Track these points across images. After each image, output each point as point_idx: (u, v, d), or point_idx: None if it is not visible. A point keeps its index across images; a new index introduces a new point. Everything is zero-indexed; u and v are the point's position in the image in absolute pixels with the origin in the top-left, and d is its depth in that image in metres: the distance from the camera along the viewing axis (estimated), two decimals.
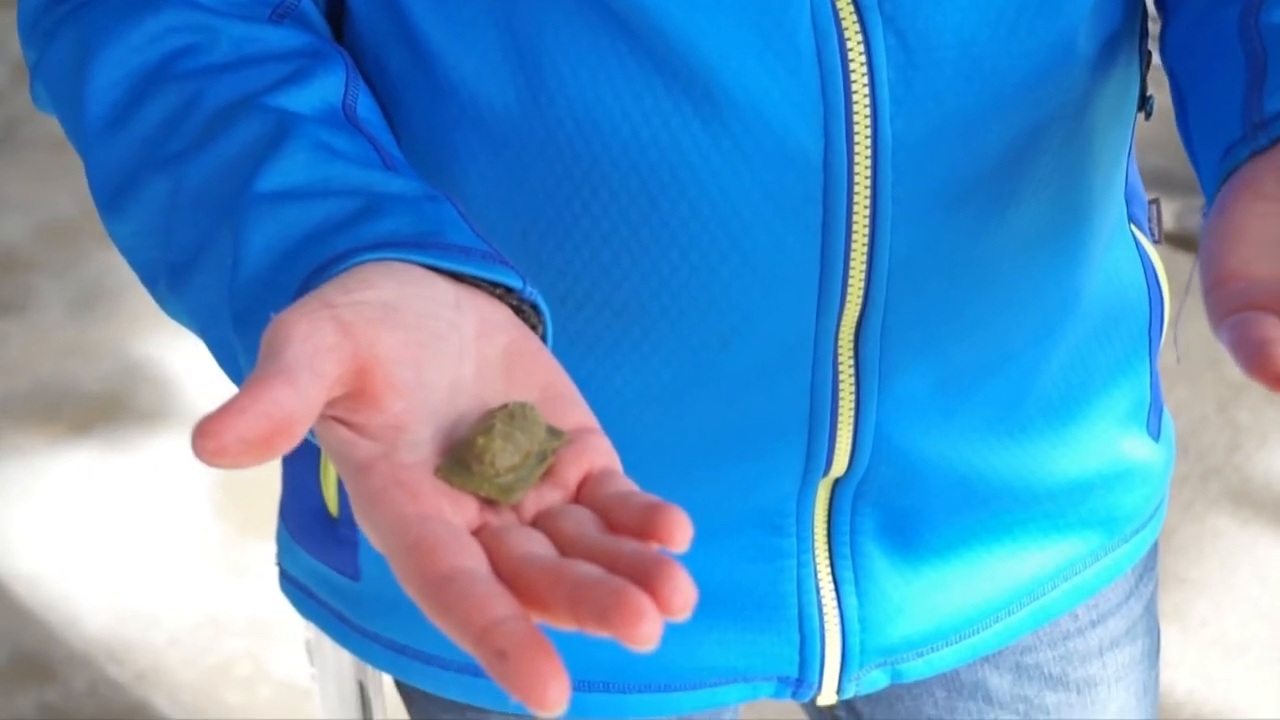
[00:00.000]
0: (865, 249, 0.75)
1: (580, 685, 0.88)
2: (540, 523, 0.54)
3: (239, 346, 0.63)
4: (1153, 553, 0.99)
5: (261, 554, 2.19)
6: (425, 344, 0.57)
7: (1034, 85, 0.75)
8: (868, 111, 0.73)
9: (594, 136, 0.73)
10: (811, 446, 0.81)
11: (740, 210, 0.74)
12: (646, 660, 0.88)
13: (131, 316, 2.65)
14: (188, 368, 2.53)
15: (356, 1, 0.78)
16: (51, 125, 3.10)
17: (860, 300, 0.77)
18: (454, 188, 0.77)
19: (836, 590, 0.87)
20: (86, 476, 2.36)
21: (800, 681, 0.89)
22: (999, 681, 0.95)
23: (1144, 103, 0.85)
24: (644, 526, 0.51)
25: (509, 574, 0.51)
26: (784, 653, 0.88)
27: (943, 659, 0.91)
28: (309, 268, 0.60)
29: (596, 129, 0.73)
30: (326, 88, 0.71)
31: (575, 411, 0.58)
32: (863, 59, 0.72)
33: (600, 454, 0.56)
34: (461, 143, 0.76)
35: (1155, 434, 0.95)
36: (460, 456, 0.54)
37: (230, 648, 2.09)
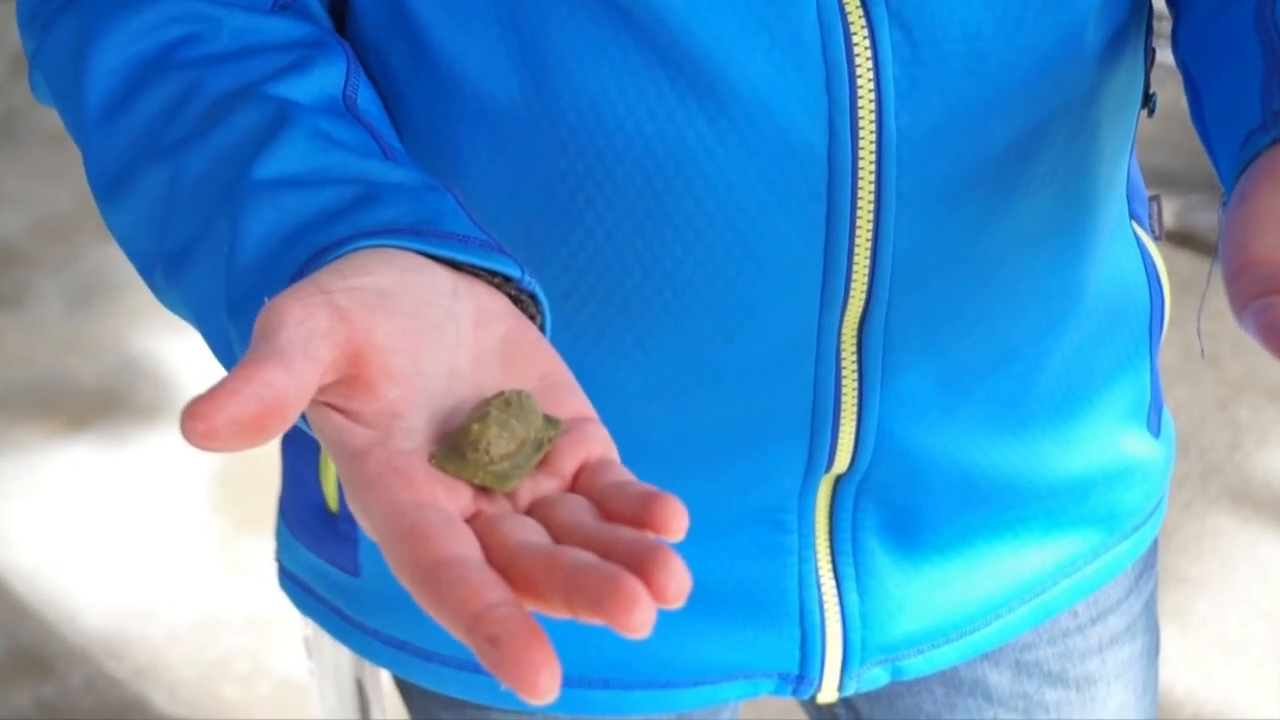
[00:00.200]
0: (869, 244, 0.75)
1: (581, 681, 0.88)
2: (535, 511, 0.54)
3: (234, 334, 0.63)
4: (1152, 550, 0.99)
5: (260, 550, 2.19)
6: (422, 332, 0.56)
7: (1039, 80, 0.75)
8: (872, 106, 0.72)
9: (598, 131, 0.73)
10: (814, 443, 0.81)
11: (745, 205, 0.74)
12: (647, 656, 0.88)
13: (129, 312, 2.65)
14: (185, 363, 2.53)
15: None
16: (49, 120, 3.10)
17: (864, 295, 0.77)
18: (456, 182, 0.76)
19: (838, 587, 0.87)
20: (84, 472, 2.36)
21: (801, 678, 0.89)
22: (998, 679, 0.95)
23: (1147, 100, 0.85)
24: (640, 515, 0.51)
25: (503, 561, 0.50)
26: (785, 649, 0.88)
27: (943, 656, 0.91)
28: (305, 254, 0.60)
29: (601, 123, 0.73)
30: (327, 78, 0.70)
31: (573, 400, 0.57)
32: (868, 53, 0.72)
33: (597, 443, 0.56)
34: (464, 137, 0.76)
35: (1155, 431, 0.95)
36: (455, 444, 0.54)
37: (228, 644, 2.08)
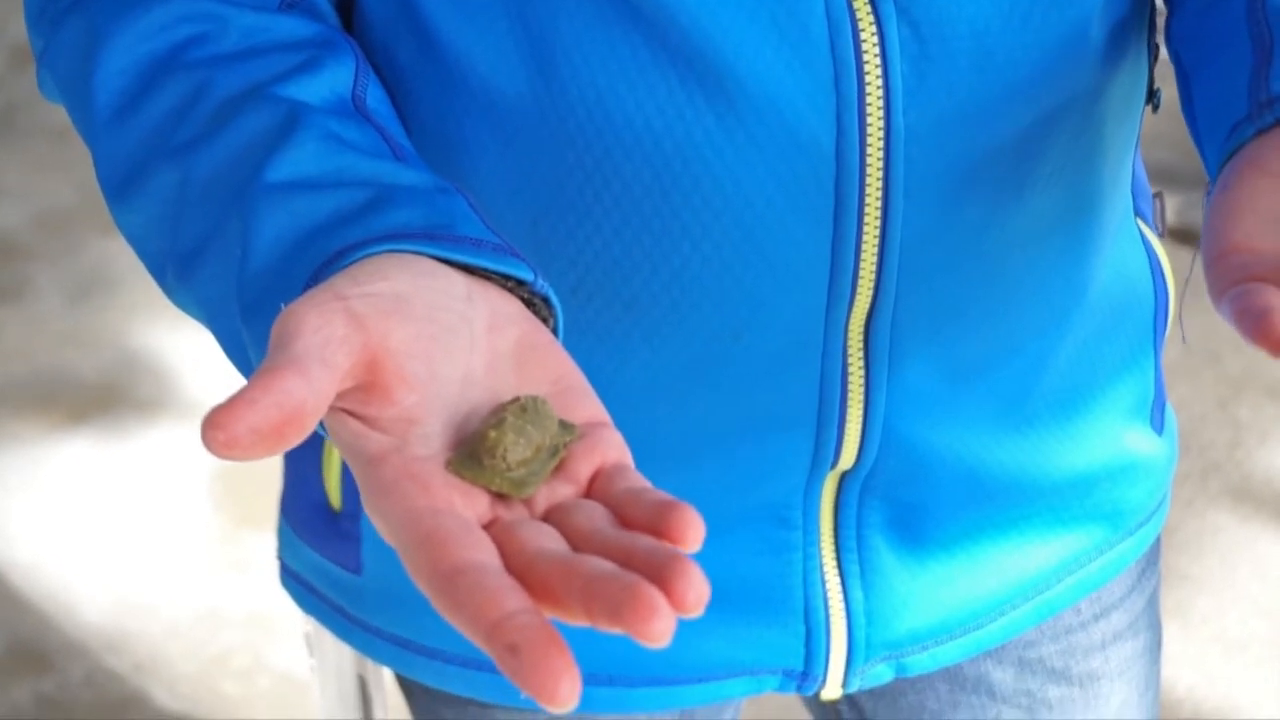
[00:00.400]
0: (876, 240, 0.75)
1: (585, 679, 0.88)
2: (552, 517, 0.54)
3: (247, 338, 0.63)
4: (1155, 547, 0.99)
5: (260, 545, 2.19)
6: (437, 337, 0.57)
7: (1046, 76, 0.75)
8: (880, 102, 0.72)
9: (606, 127, 0.73)
10: (820, 439, 0.81)
11: (753, 201, 0.74)
12: (652, 654, 0.88)
13: (129, 306, 2.65)
14: (186, 358, 2.53)
15: None
16: (50, 114, 3.10)
17: (871, 291, 0.77)
18: (463, 178, 0.76)
19: (842, 584, 0.87)
20: (84, 466, 2.36)
21: (805, 675, 0.89)
22: (1002, 676, 0.95)
23: (1151, 95, 0.85)
24: (656, 524, 0.51)
25: (521, 568, 0.50)
26: (790, 646, 0.88)
27: (947, 653, 0.91)
28: (320, 259, 0.60)
29: (609, 120, 0.73)
30: (336, 78, 0.70)
31: (587, 405, 0.58)
32: (876, 50, 0.72)
33: (612, 448, 0.56)
34: (471, 133, 0.76)
35: (1159, 428, 0.95)
36: (472, 450, 0.54)
37: (228, 639, 2.08)
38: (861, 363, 0.79)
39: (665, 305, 0.77)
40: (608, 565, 0.49)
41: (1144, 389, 0.93)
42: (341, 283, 0.57)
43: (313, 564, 0.94)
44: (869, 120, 0.73)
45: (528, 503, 0.54)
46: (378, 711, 1.15)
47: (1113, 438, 0.91)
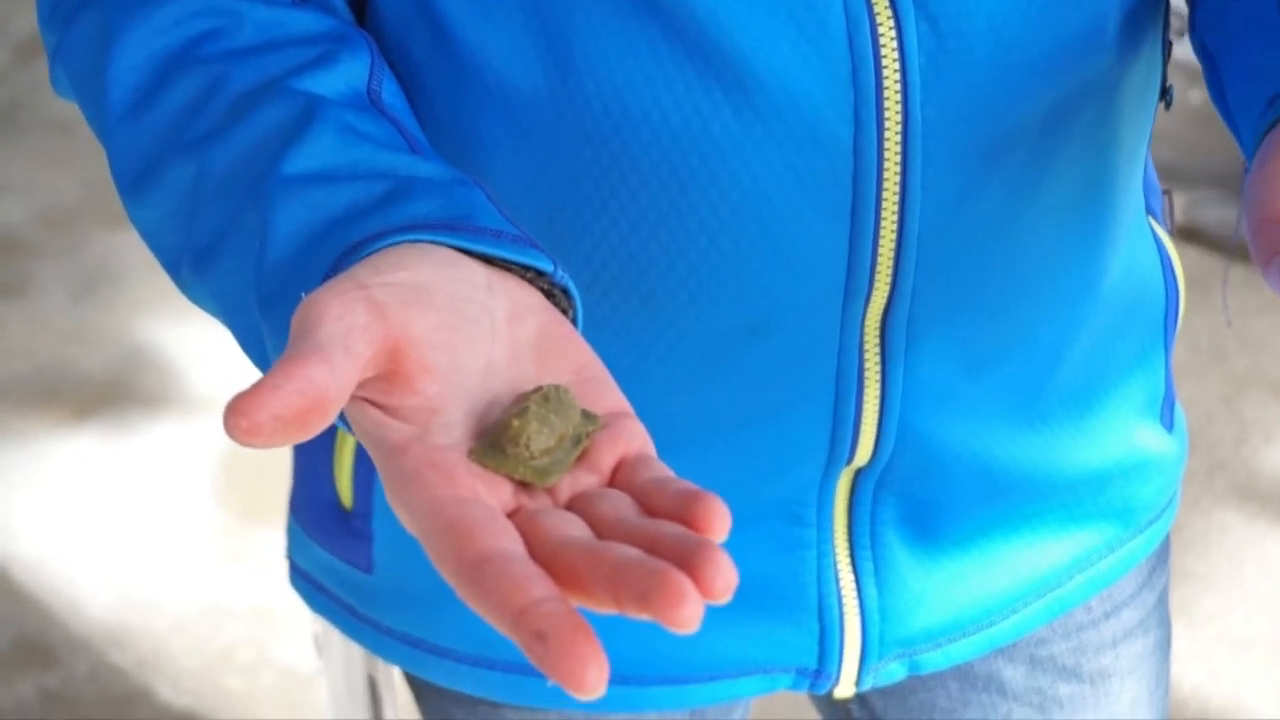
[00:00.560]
0: (894, 235, 0.75)
1: None
2: (575, 506, 0.54)
3: (266, 330, 0.63)
4: (1165, 545, 0.99)
5: (264, 541, 2.19)
6: (458, 327, 0.56)
7: (1063, 70, 0.75)
8: (898, 96, 0.72)
9: (623, 122, 0.73)
10: (836, 435, 0.81)
11: (770, 196, 0.74)
12: (664, 653, 0.88)
13: (134, 302, 2.65)
14: (190, 353, 2.53)
15: None
16: (54, 108, 3.10)
17: (888, 286, 0.77)
18: (479, 174, 0.76)
19: (856, 581, 0.86)
20: (88, 462, 2.36)
21: (819, 673, 0.89)
22: (1013, 673, 0.95)
23: (1164, 92, 0.85)
24: (682, 513, 0.51)
25: (546, 556, 0.50)
26: (803, 644, 0.88)
27: (960, 650, 0.91)
28: (339, 250, 0.60)
29: (626, 114, 0.73)
30: (351, 72, 0.70)
31: (609, 395, 0.57)
32: (894, 44, 0.72)
33: (635, 438, 0.56)
34: (487, 128, 0.76)
35: (1169, 425, 0.95)
36: (495, 439, 0.54)
37: (233, 634, 2.08)
38: (878, 357, 0.79)
39: (682, 300, 0.76)
40: (634, 552, 0.49)
41: (1155, 386, 0.93)
42: (362, 272, 0.56)
43: (323, 563, 0.94)
44: (887, 114, 0.73)
45: (551, 492, 0.54)
46: (388, 711, 1.15)
47: (1124, 435, 0.91)
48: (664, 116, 0.72)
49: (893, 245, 0.76)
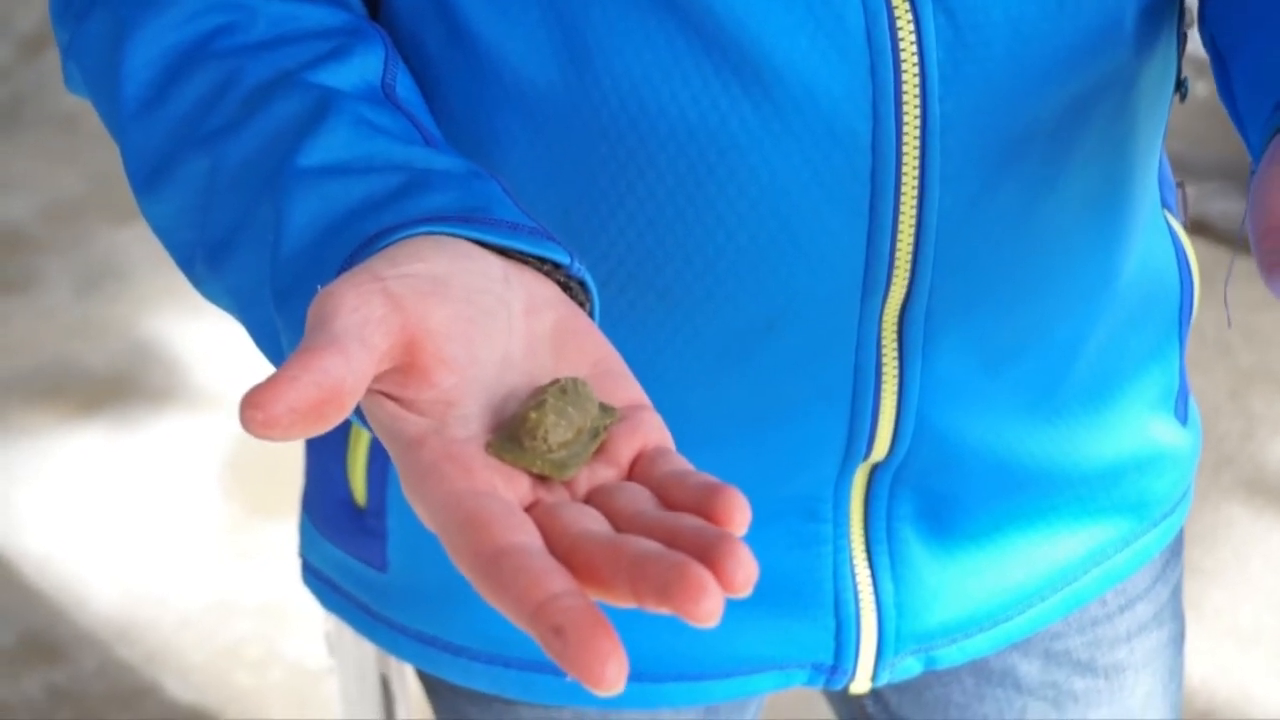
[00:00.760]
0: (912, 230, 0.75)
1: None
2: (594, 499, 0.53)
3: (280, 324, 0.63)
4: (1179, 538, 0.99)
5: (271, 535, 2.19)
6: (475, 319, 0.56)
7: (1082, 63, 0.75)
8: (917, 91, 0.72)
9: (640, 117, 0.72)
10: (853, 431, 0.81)
11: (788, 192, 0.73)
12: (680, 649, 0.88)
13: (139, 296, 2.65)
14: (196, 348, 2.53)
15: None
16: (58, 103, 3.10)
17: (906, 280, 0.76)
18: (495, 168, 0.76)
19: (873, 576, 0.86)
20: (94, 457, 2.36)
21: (835, 669, 0.89)
22: (1028, 668, 0.95)
23: (1179, 85, 0.85)
24: (702, 506, 0.51)
25: (565, 550, 0.50)
26: (819, 640, 0.88)
27: (975, 645, 0.91)
28: (354, 242, 0.60)
29: (643, 109, 0.72)
30: (366, 66, 0.70)
31: (627, 388, 0.57)
32: (912, 39, 0.71)
33: (654, 431, 0.55)
34: (502, 124, 0.75)
35: (1183, 419, 0.95)
36: (512, 432, 0.54)
37: (241, 629, 2.08)
38: (895, 352, 0.79)
39: (699, 295, 0.76)
40: (653, 545, 0.49)
41: (1169, 379, 0.92)
42: (379, 264, 0.56)
43: (336, 561, 0.93)
44: (905, 109, 0.72)
45: (569, 485, 0.54)
46: (401, 711, 1.14)
47: (1139, 428, 0.90)
48: (681, 111, 0.72)
49: (911, 240, 0.75)
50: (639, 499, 0.52)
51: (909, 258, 0.76)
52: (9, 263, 2.75)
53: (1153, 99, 0.81)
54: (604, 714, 0.92)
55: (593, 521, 0.51)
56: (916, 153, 0.73)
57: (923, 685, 0.96)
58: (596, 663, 0.46)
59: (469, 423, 0.54)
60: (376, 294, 0.54)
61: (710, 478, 0.52)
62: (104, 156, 2.71)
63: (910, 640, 0.88)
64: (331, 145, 0.64)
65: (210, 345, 2.51)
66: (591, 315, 0.61)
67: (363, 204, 0.62)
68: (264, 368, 0.64)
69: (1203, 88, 1.19)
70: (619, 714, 0.92)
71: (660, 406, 0.58)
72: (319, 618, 1.13)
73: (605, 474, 0.54)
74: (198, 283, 0.70)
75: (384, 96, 0.69)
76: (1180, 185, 0.96)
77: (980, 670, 0.95)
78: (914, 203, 0.74)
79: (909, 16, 0.71)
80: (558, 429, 0.53)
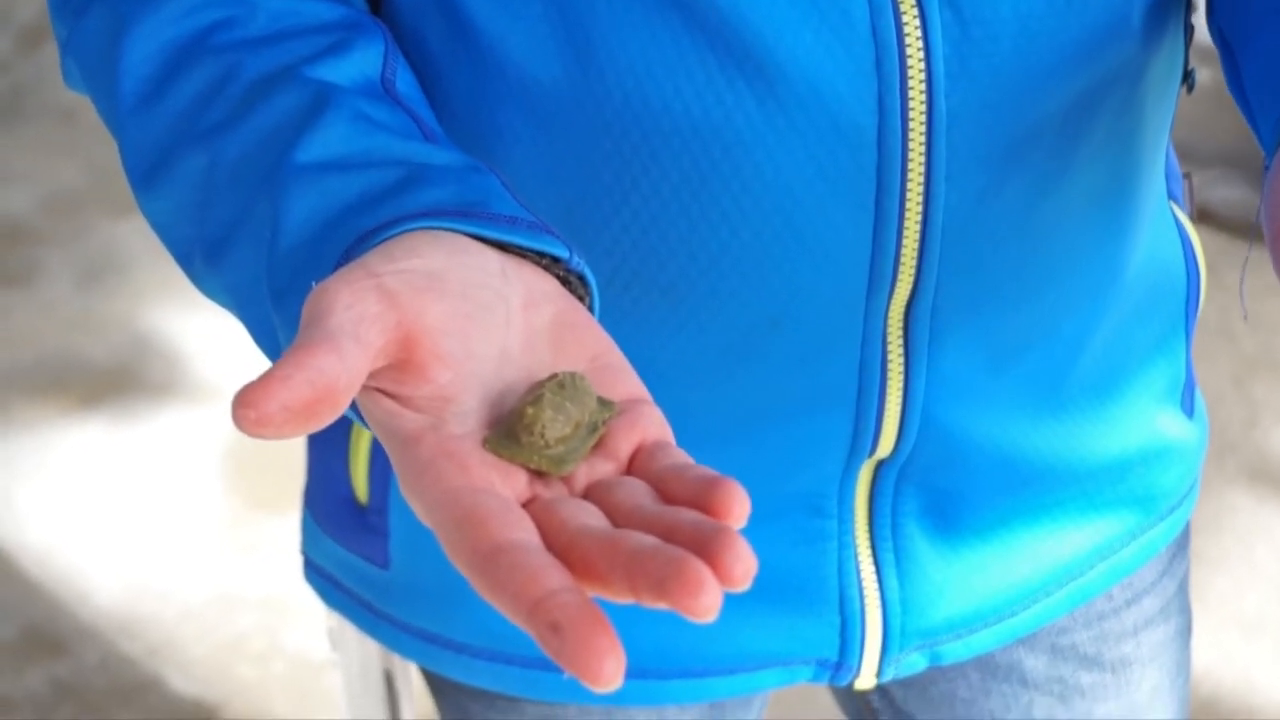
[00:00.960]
0: (918, 225, 0.74)
1: None
2: (592, 495, 0.53)
3: (278, 320, 0.62)
4: (1185, 532, 0.99)
5: (272, 529, 2.19)
6: (472, 314, 0.56)
7: (1089, 57, 0.74)
8: (922, 86, 0.71)
9: (644, 113, 0.72)
10: (858, 427, 0.80)
11: (793, 187, 0.73)
12: (684, 646, 0.87)
13: (139, 289, 2.64)
14: (196, 341, 2.53)
15: None
16: (58, 96, 3.10)
17: (911, 278, 0.76)
18: (497, 165, 0.75)
19: (878, 572, 0.86)
20: (95, 451, 2.36)
21: (840, 665, 0.88)
22: (1034, 663, 0.95)
23: (1186, 76, 0.84)
24: (701, 500, 0.50)
25: (562, 546, 0.50)
26: (825, 636, 0.87)
27: (981, 641, 0.91)
28: (351, 237, 0.59)
29: (647, 105, 0.72)
30: (366, 60, 0.69)
31: (626, 382, 0.57)
32: (918, 33, 0.71)
33: (653, 425, 0.55)
34: (505, 120, 0.75)
35: (1189, 412, 0.95)
36: (509, 428, 0.53)
37: (243, 623, 2.08)
38: (901, 349, 0.78)
39: (703, 292, 0.76)
40: (651, 540, 0.48)
41: (1176, 372, 0.92)
42: (374, 260, 0.56)
43: (338, 559, 0.93)
44: (911, 104, 0.72)
45: (567, 480, 0.54)
46: (405, 708, 1.14)
47: (1146, 422, 0.90)
48: (685, 107, 0.72)
49: (916, 236, 0.75)
50: (637, 493, 0.52)
51: (915, 254, 0.75)
52: (9, 256, 2.75)
53: (1160, 92, 0.81)
54: (608, 711, 0.92)
55: (590, 517, 0.51)
56: (922, 148, 0.73)
57: (928, 681, 0.95)
58: (594, 659, 0.45)
59: (466, 419, 0.54)
60: (371, 290, 0.54)
61: (709, 471, 0.51)
62: (104, 149, 2.70)
63: (915, 636, 0.88)
64: (329, 141, 0.64)
65: (212, 338, 2.51)
66: (591, 309, 0.61)
67: (360, 199, 0.61)
68: (265, 362, 0.63)
69: (1206, 75, 1.18)
70: (624, 711, 0.92)
71: (664, 404, 0.58)
72: (321, 612, 1.13)
73: (604, 469, 0.54)
74: (196, 280, 0.69)
75: (383, 91, 0.69)
76: (1187, 176, 0.95)
77: (986, 665, 0.95)
78: (920, 199, 0.74)
79: (914, 11, 0.71)
80: (555, 424, 0.53)
